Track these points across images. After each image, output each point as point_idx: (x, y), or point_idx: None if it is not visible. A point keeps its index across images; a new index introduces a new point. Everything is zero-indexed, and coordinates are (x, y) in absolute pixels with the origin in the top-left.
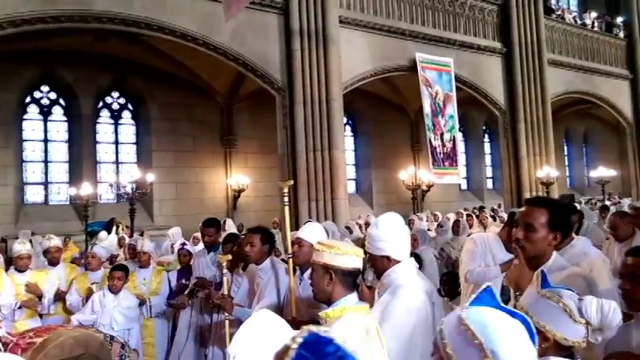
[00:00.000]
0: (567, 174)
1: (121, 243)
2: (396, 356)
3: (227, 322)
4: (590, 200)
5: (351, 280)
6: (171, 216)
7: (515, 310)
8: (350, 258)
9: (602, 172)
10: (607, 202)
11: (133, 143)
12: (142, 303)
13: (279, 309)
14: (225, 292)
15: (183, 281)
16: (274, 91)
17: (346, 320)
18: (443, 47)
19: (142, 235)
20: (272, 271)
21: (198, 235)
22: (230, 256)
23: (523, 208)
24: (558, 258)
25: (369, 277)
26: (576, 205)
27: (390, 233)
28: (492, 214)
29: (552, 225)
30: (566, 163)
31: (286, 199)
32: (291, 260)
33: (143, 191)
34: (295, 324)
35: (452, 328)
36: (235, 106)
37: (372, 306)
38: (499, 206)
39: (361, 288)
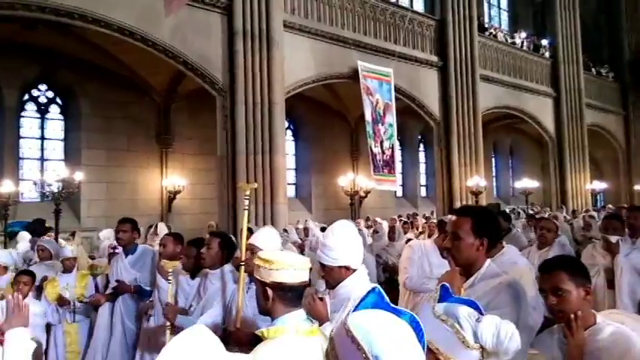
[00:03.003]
0: (494, 184)
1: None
2: None
3: (167, 330)
4: (513, 209)
5: (292, 295)
6: (101, 217)
7: (402, 309)
8: (288, 272)
9: (526, 183)
10: (528, 213)
11: (61, 139)
12: (62, 304)
13: (223, 320)
14: (170, 300)
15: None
16: (215, 92)
17: (270, 348)
18: (383, 57)
19: (73, 235)
20: (224, 279)
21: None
22: (177, 263)
23: (452, 217)
24: (492, 265)
25: (320, 287)
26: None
27: (348, 242)
28: (425, 221)
29: (477, 232)
30: (494, 174)
31: (247, 202)
32: (241, 267)
33: (70, 190)
34: (238, 337)
35: (339, 335)
36: (173, 105)
37: (324, 318)
38: (432, 213)
39: (310, 300)
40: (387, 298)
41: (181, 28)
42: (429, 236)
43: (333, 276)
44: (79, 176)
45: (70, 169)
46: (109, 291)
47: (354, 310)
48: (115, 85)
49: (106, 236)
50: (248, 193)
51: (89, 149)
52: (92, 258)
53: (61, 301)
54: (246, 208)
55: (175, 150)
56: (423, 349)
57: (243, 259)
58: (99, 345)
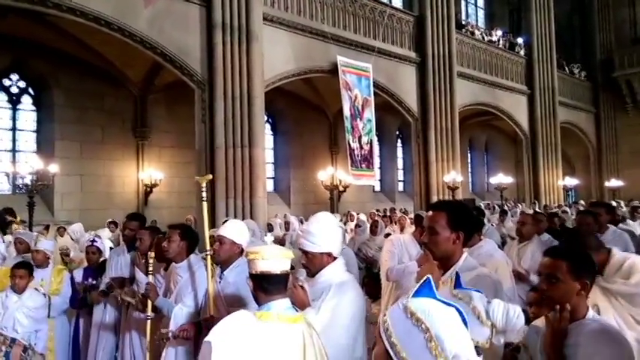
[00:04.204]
0: (470, 179)
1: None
2: (347, 349)
3: (148, 321)
4: (488, 205)
5: (271, 284)
6: (75, 210)
7: (448, 301)
8: (266, 262)
9: (501, 178)
10: (505, 208)
11: (33, 131)
12: None
13: (198, 309)
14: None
15: (90, 280)
16: (194, 84)
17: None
18: (363, 52)
19: (47, 229)
20: (191, 269)
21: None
22: (152, 253)
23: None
24: (469, 258)
25: (300, 276)
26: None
27: (330, 229)
28: (402, 214)
29: (453, 225)
30: (469, 170)
31: (204, 194)
32: (209, 258)
33: (44, 183)
34: (213, 322)
35: (397, 317)
36: (150, 97)
37: (305, 304)
38: (406, 209)
39: (292, 288)
40: (436, 291)
41: (159, 20)
42: (401, 230)
43: (314, 263)
44: (53, 168)
45: (44, 161)
46: (102, 287)
47: (412, 297)
48: (89, 75)
49: (76, 230)
50: (204, 185)
51: (63, 141)
52: (66, 255)
53: None
54: (204, 199)
55: (152, 143)
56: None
57: (208, 248)
58: (101, 343)
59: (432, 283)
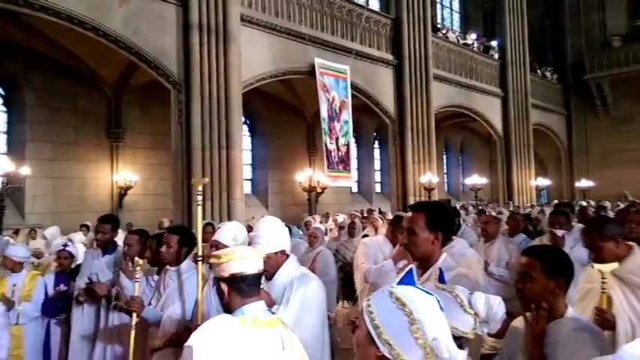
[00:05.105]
0: (446, 180)
1: None
2: (321, 336)
3: (133, 332)
4: (463, 205)
5: (247, 285)
6: (47, 214)
7: (428, 290)
8: (238, 263)
9: (476, 179)
10: (480, 208)
11: (4, 132)
12: (7, 305)
13: (188, 317)
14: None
15: (62, 287)
16: (169, 85)
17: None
18: (340, 54)
19: (16, 233)
20: (183, 275)
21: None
22: (141, 261)
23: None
24: (448, 259)
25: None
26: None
27: (279, 228)
28: (380, 215)
29: (431, 226)
30: (445, 171)
31: (200, 197)
32: (200, 264)
33: (15, 186)
34: None
35: (381, 301)
36: (124, 97)
37: (270, 303)
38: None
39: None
40: (417, 281)
41: (135, 19)
42: (375, 231)
43: (270, 264)
44: (24, 171)
45: (14, 163)
46: (76, 292)
47: (398, 284)
48: (62, 75)
49: (53, 234)
50: (200, 188)
51: (34, 142)
52: (38, 257)
53: (6, 302)
54: (200, 203)
55: (127, 144)
56: None
57: (200, 253)
58: (78, 351)
59: (415, 272)
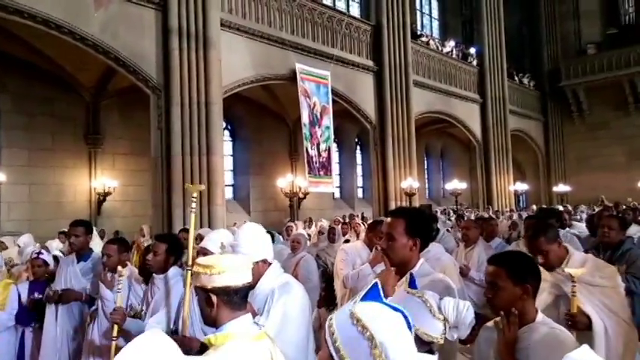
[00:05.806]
0: (426, 186)
1: None
2: (304, 346)
3: (114, 343)
4: (444, 210)
5: (238, 298)
6: (23, 221)
7: (395, 305)
8: (230, 275)
9: (456, 184)
10: (460, 213)
11: None
12: None
13: (172, 327)
14: (120, 305)
15: (36, 295)
16: (149, 90)
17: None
18: (321, 60)
19: None
20: (168, 283)
21: None
22: (123, 270)
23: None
24: (425, 264)
25: None
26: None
27: (260, 237)
28: (363, 221)
29: (410, 232)
30: (426, 176)
31: (194, 204)
32: (188, 272)
33: None
34: (184, 343)
35: (342, 322)
36: (103, 102)
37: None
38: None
39: None
40: (382, 295)
41: (112, 23)
42: (357, 236)
43: (252, 274)
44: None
45: None
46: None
47: (360, 301)
48: (38, 80)
49: (26, 242)
50: (195, 195)
51: (9, 148)
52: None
53: None
54: (193, 210)
55: (105, 150)
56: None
57: (190, 263)
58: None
59: (380, 287)
